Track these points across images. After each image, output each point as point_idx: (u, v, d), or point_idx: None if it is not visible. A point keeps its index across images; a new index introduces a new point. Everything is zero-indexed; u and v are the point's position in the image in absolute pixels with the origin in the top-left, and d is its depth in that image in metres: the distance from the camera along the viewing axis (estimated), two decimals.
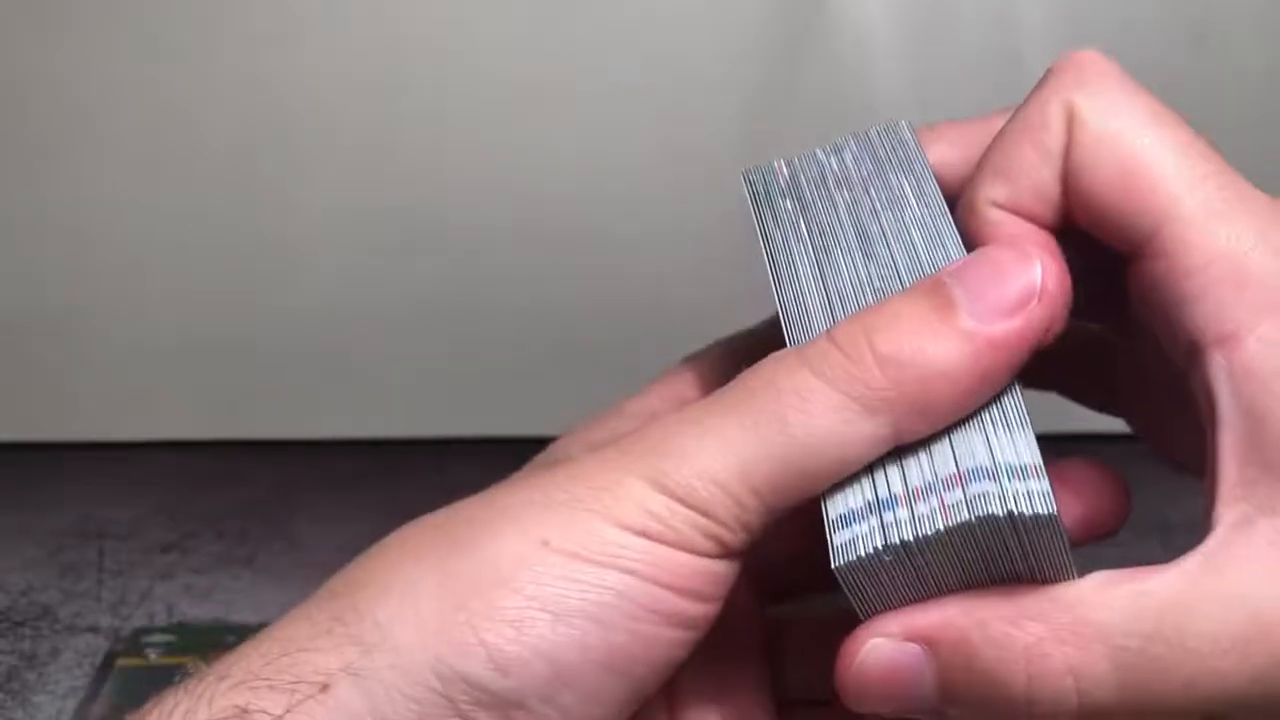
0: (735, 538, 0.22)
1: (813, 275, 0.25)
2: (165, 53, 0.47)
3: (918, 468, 0.22)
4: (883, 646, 0.22)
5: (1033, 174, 0.23)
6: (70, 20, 0.47)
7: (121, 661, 0.45)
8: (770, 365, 0.23)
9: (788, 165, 0.27)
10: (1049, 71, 0.24)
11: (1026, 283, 0.21)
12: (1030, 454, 0.21)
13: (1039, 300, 0.21)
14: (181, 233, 0.51)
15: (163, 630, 0.48)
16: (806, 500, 0.22)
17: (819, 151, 0.26)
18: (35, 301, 0.52)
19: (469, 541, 0.23)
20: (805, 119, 0.48)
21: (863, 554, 0.21)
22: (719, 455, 0.22)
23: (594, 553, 0.22)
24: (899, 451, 0.22)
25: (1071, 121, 0.23)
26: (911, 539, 0.21)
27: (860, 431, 0.21)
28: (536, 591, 0.22)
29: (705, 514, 0.22)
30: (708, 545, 0.22)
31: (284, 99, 0.48)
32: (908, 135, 0.26)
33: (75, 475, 0.58)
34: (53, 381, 0.55)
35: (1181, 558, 0.21)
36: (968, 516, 0.21)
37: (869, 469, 0.22)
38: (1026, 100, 0.24)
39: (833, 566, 0.22)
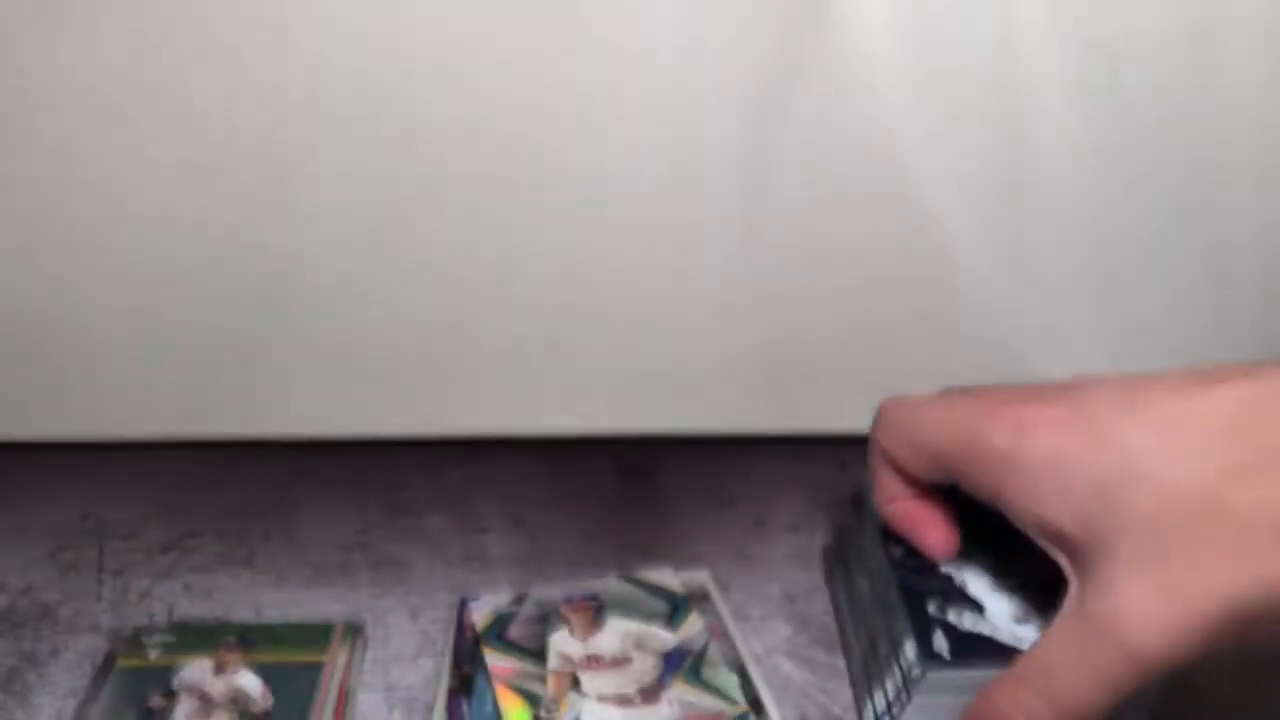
0: None
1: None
2: (172, 55, 0.47)
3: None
4: None
5: (890, 484, 0.42)
6: (73, 19, 0.47)
7: (121, 661, 0.45)
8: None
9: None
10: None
11: None
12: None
13: None
14: (183, 233, 0.51)
15: (163, 630, 0.48)
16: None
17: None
18: (35, 301, 0.52)
19: None
20: (805, 121, 0.48)
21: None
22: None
23: None
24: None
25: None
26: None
27: None
28: None
29: None
30: None
31: (285, 100, 0.48)
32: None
33: (75, 475, 0.58)
34: (53, 381, 0.55)
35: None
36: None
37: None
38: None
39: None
